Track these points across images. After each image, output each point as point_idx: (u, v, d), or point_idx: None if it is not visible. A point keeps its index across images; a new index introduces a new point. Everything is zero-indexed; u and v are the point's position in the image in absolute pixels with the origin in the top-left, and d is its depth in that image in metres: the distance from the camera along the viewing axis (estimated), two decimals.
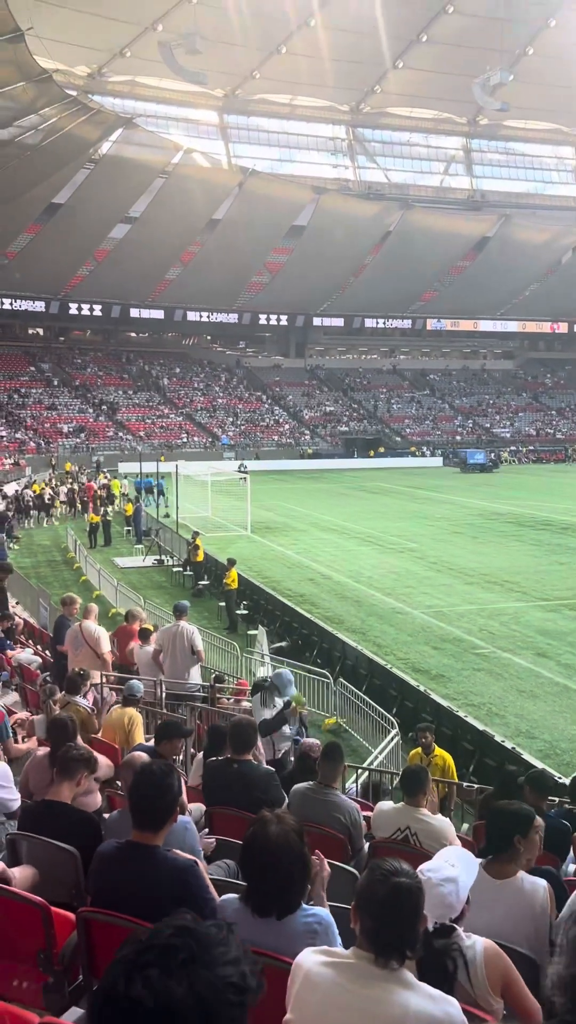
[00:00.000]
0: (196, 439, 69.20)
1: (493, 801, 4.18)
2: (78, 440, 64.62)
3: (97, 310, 74.95)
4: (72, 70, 64.28)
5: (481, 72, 64.18)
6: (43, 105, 55.76)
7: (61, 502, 40.81)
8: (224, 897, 3.14)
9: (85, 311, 74.66)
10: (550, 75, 71.43)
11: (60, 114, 57.20)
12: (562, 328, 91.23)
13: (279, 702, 8.38)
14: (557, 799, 6.94)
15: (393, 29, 66.09)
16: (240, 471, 42.18)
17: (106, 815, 5.14)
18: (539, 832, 4.39)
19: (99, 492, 39.42)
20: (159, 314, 78.67)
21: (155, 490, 41.09)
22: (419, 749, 9.11)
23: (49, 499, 39.59)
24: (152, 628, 12.22)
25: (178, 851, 3.37)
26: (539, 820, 4.56)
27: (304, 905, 2.95)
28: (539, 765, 9.90)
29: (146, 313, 78.12)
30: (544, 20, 68.87)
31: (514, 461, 71.49)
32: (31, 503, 38.83)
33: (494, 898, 3.57)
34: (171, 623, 11.93)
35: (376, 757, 10.45)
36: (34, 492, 40.66)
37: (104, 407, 70.54)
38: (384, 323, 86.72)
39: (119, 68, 67.71)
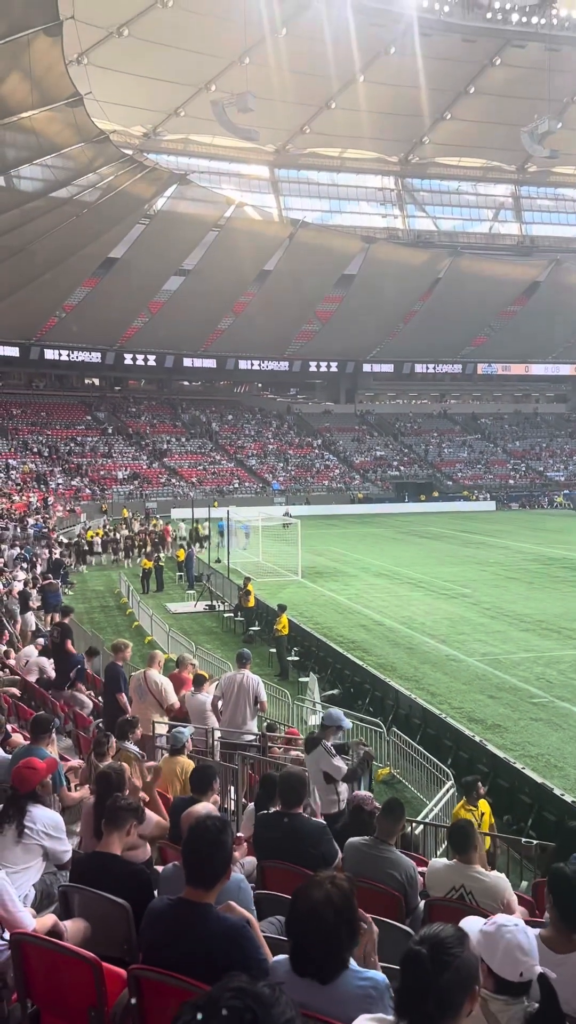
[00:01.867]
0: (247, 485, 69.72)
1: (559, 862, 4.02)
2: (132, 487, 65.60)
3: (151, 360, 76.54)
4: (128, 130, 66.61)
5: (529, 121, 64.62)
6: (100, 164, 57.86)
7: (119, 547, 41.39)
8: (277, 958, 3.08)
9: (140, 361, 76.27)
10: None
11: (116, 172, 59.24)
12: None
13: (340, 735, 8.22)
14: None
15: (440, 82, 67.25)
16: (284, 516, 42.72)
17: (159, 867, 5.10)
18: None
19: (150, 537, 39.93)
20: (211, 363, 80.00)
21: (241, 533, 41.69)
22: (464, 801, 8.80)
23: (103, 545, 40.14)
24: (207, 675, 12.17)
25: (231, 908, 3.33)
26: None
27: (358, 968, 2.87)
28: None
29: (199, 362, 79.52)
30: None
31: (569, 505, 70.51)
32: (87, 548, 39.44)
33: (560, 973, 3.39)
34: (232, 671, 11.89)
35: (431, 810, 10.21)
36: (88, 538, 41.29)
37: (157, 454, 71.63)
38: (434, 368, 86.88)
39: (173, 127, 69.95)
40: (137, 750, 8.36)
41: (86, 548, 39.31)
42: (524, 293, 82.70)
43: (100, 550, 40.07)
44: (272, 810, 5.80)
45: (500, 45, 66.84)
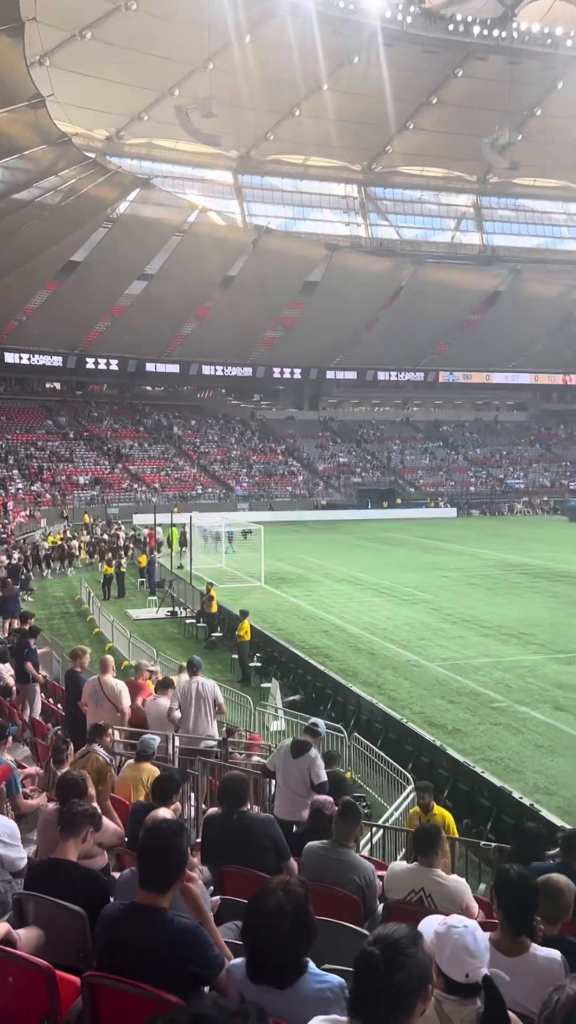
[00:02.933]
0: (211, 491, 69.53)
1: (511, 866, 4.05)
2: (93, 492, 65.06)
3: (113, 364, 76.08)
4: (91, 133, 66.25)
5: (490, 132, 65.52)
6: (62, 167, 57.45)
7: (85, 552, 41.01)
8: (234, 962, 3.05)
9: (102, 365, 75.79)
10: (558, 134, 72.92)
11: (79, 175, 58.86)
12: (574, 380, 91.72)
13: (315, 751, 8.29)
14: None
15: (403, 92, 67.81)
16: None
17: (116, 874, 5.04)
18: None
19: (110, 543, 39.64)
20: (174, 368, 79.72)
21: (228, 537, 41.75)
22: (417, 809, 8.88)
23: (66, 550, 39.75)
24: (173, 680, 12.07)
25: (183, 914, 3.30)
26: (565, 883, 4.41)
27: (316, 971, 2.86)
28: (558, 823, 9.68)
29: (162, 367, 79.23)
30: (552, 82, 70.58)
31: (528, 512, 71.37)
32: (49, 554, 39.02)
33: (509, 974, 3.42)
34: (186, 679, 11.85)
35: (391, 814, 10.24)
36: (48, 544, 40.85)
37: (119, 459, 71.16)
38: (397, 376, 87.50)
39: (137, 131, 69.71)
40: (106, 755, 8.29)
41: (47, 554, 38.88)
42: (485, 302, 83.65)
43: (60, 556, 39.65)
44: (220, 811, 5.81)
45: (462, 57, 67.64)
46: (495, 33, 64.73)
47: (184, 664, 13.44)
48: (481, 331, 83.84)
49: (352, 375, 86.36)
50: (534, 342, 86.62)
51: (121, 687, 10.74)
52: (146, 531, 43.95)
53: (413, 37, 64.32)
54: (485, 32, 64.74)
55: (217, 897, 4.75)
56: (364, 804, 11.29)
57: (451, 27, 64.48)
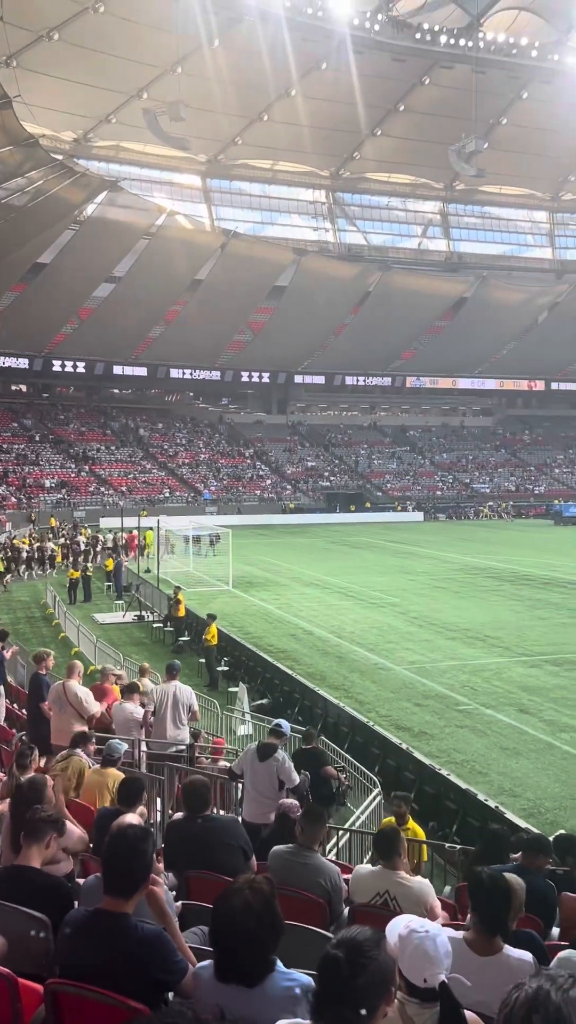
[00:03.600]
0: (178, 494, 69.29)
1: (479, 867, 4.09)
2: (60, 495, 64.52)
3: (80, 367, 75.60)
4: (58, 135, 65.83)
5: (457, 140, 66.16)
6: (29, 168, 56.94)
7: (53, 555, 40.62)
8: (201, 964, 3.05)
9: (68, 368, 75.26)
10: (523, 143, 73.93)
11: (46, 177, 58.37)
12: (539, 386, 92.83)
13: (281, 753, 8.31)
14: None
15: (371, 99, 68.23)
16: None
17: (80, 880, 5.00)
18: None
19: (74, 547, 39.31)
20: (142, 371, 79.37)
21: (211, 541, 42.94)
22: (392, 819, 8.89)
23: (27, 554, 39.36)
24: (139, 684, 12.01)
25: (147, 920, 3.28)
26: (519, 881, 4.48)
27: (284, 969, 2.86)
28: (523, 824, 9.77)
29: (129, 370, 78.82)
30: (517, 92, 71.45)
31: (495, 516, 72.02)
32: (31, 556, 38.75)
33: (479, 976, 3.45)
34: (163, 683, 11.83)
35: (358, 817, 10.26)
36: (15, 546, 40.41)
37: (86, 462, 70.65)
38: (364, 381, 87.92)
39: (105, 133, 69.36)
40: (89, 759, 8.25)
41: (11, 556, 38.44)
42: (451, 308, 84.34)
43: (27, 560, 39.26)
44: (183, 816, 5.80)
45: (429, 65, 68.22)
46: (461, 42, 65.38)
47: (142, 667, 13.42)
48: (447, 337, 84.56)
49: (320, 379, 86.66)
50: (499, 348, 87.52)
51: (85, 692, 10.66)
52: (124, 535, 43.64)
53: (381, 45, 64.77)
54: (452, 41, 65.37)
55: (179, 903, 4.72)
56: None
57: (418, 36, 65.01)
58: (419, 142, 73.58)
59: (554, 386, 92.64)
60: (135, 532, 42.30)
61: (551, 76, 68.74)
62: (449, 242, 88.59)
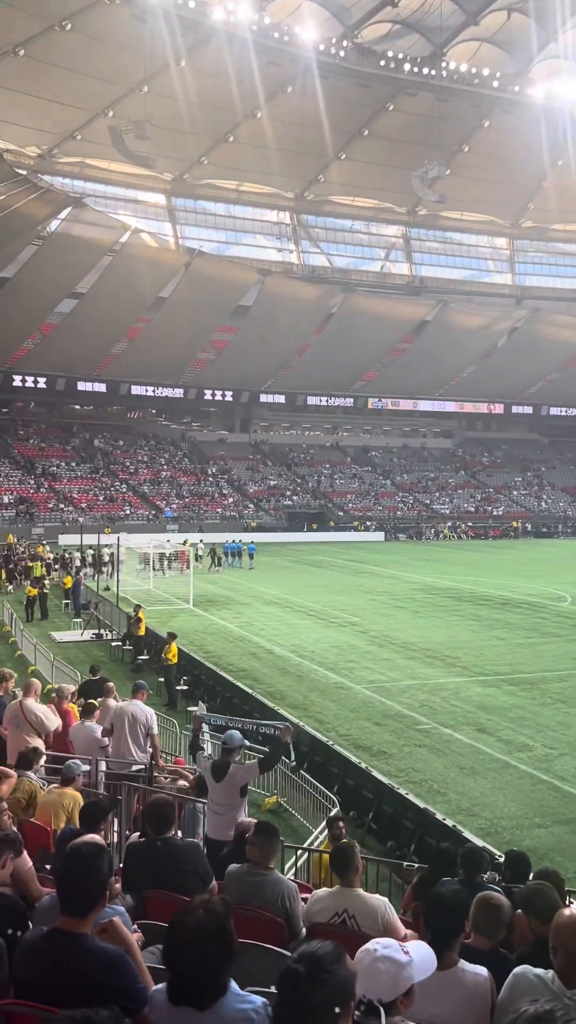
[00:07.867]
0: (140, 511, 68.89)
1: (429, 886, 4.13)
2: (19, 511, 63.76)
3: (42, 382, 75.04)
4: (23, 150, 65.62)
5: (420, 165, 67.33)
6: None
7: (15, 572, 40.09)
8: (157, 987, 3.02)
9: (29, 383, 74.67)
10: (484, 171, 75.42)
11: (9, 192, 58.14)
12: (498, 409, 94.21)
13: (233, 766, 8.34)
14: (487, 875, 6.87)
15: (336, 123, 69.13)
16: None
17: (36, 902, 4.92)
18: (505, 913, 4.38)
19: (30, 564, 38.88)
20: (104, 387, 78.97)
21: (244, 554, 44.14)
22: (326, 842, 8.82)
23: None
24: (96, 704, 11.88)
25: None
26: (502, 899, 4.57)
27: (239, 991, 2.84)
28: (480, 843, 9.82)
29: (91, 386, 78.35)
30: (478, 121, 72.96)
31: (454, 536, 72.70)
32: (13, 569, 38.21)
33: (437, 989, 3.48)
34: (122, 701, 11.70)
35: (317, 837, 10.24)
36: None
37: (46, 478, 69.97)
38: (327, 401, 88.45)
39: (70, 150, 69.30)
40: (38, 780, 8.12)
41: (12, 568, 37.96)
42: (413, 331, 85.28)
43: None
44: (143, 838, 5.75)
45: (393, 92, 69.38)
46: (425, 71, 66.63)
47: (106, 685, 13.26)
48: (409, 359, 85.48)
49: (283, 399, 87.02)
50: (460, 371, 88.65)
51: (43, 710, 10.52)
52: (108, 553, 42.78)
53: (346, 70, 65.77)
54: (415, 69, 66.57)
55: (136, 923, 4.67)
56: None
57: (383, 63, 66.13)
58: (383, 167, 74.67)
59: (514, 409, 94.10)
60: (186, 547, 42.71)
61: (512, 106, 70.34)
62: (411, 266, 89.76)
